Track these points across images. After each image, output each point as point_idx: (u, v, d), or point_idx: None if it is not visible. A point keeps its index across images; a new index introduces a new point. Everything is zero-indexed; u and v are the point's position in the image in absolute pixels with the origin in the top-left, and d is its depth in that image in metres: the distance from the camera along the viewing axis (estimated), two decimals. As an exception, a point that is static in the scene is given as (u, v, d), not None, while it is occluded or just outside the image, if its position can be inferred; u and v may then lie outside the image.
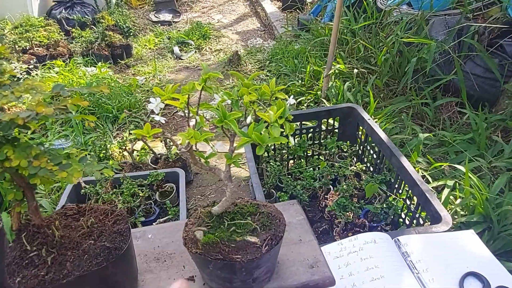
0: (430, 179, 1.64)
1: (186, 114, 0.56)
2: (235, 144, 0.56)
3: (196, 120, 0.56)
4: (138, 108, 2.59)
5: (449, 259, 1.00)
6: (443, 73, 2.11)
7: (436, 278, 0.95)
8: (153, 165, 2.01)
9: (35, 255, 0.52)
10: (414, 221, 1.38)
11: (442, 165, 1.60)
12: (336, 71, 2.37)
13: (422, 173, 1.66)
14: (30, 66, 2.70)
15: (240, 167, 2.12)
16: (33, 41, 3.01)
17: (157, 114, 0.59)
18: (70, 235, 0.56)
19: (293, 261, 0.69)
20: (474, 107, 2.04)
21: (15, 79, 0.52)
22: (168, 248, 0.73)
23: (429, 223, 1.29)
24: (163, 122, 0.61)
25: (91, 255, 0.53)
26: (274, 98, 0.55)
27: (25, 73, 2.40)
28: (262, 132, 0.49)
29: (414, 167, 1.33)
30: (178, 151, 0.54)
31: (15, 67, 2.11)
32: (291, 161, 1.92)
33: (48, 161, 0.44)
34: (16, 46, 2.84)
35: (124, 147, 1.92)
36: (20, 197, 0.52)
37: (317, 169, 1.71)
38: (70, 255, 0.53)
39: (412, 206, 1.40)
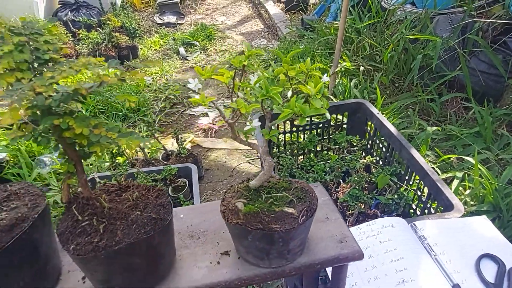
0: (439, 171, 1.67)
1: (230, 90, 0.59)
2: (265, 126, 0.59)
3: (237, 95, 0.59)
4: (146, 107, 2.62)
5: (464, 242, 1.03)
6: (448, 70, 2.15)
7: (453, 260, 0.98)
8: (164, 161, 2.04)
9: (86, 224, 0.55)
10: (426, 211, 1.41)
11: (451, 158, 1.63)
12: (342, 69, 2.41)
13: (431, 166, 1.69)
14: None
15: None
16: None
17: (198, 93, 0.62)
18: (117, 207, 0.59)
19: (321, 238, 0.72)
20: (479, 103, 2.08)
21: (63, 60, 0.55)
22: (201, 227, 0.76)
23: (440, 212, 1.32)
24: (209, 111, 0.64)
25: (139, 225, 0.56)
26: (309, 76, 0.58)
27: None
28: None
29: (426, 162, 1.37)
30: (225, 121, 0.57)
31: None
32: (300, 157, 1.95)
33: (108, 131, 0.47)
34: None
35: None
36: (72, 169, 0.55)
37: (328, 162, 1.74)
38: (120, 224, 0.56)
39: (423, 196, 1.43)
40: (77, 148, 0.54)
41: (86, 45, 3.39)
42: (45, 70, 0.50)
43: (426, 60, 2.18)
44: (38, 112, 0.48)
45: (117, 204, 0.60)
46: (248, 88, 0.58)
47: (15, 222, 0.56)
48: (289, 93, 0.55)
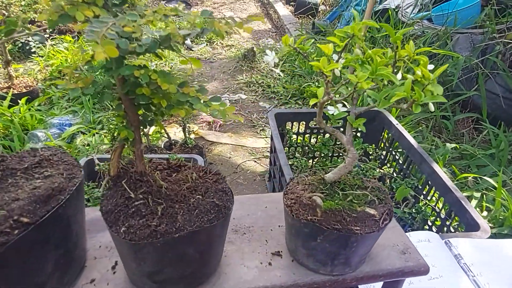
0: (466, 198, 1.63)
1: (336, 60, 0.51)
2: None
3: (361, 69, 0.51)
4: (149, 93, 2.50)
5: (500, 265, 0.98)
6: (464, 89, 2.13)
7: (491, 283, 0.93)
8: (167, 150, 1.93)
9: (141, 203, 0.46)
10: (445, 229, 1.36)
11: (469, 176, 1.60)
12: (357, 76, 2.36)
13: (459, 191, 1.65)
14: (38, 38, 2.57)
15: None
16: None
17: (274, 67, 0.53)
18: (173, 188, 0.50)
19: (383, 246, 0.65)
20: (491, 125, 2.06)
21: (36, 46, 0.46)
22: (245, 221, 0.68)
23: (462, 230, 1.27)
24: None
25: (202, 211, 0.47)
26: (412, 61, 0.51)
27: (38, 42, 2.27)
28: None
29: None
30: (329, 97, 0.48)
31: (28, 36, 2.00)
32: (310, 160, 1.89)
33: (197, 92, 0.38)
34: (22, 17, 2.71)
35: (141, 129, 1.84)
36: (132, 136, 0.46)
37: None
38: (179, 208, 0.47)
39: (442, 214, 1.38)
40: (141, 112, 0.45)
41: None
42: (122, 12, 0.41)
43: (443, 77, 2.15)
44: (110, 60, 0.38)
45: (173, 185, 0.50)
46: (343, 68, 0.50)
47: (51, 193, 0.46)
48: (399, 75, 0.47)
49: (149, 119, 0.45)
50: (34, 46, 2.44)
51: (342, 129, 1.81)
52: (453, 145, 1.74)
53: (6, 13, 2.30)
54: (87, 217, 0.60)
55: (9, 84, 2.11)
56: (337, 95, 0.50)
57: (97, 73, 1.78)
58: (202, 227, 0.46)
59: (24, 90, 2.12)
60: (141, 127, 0.48)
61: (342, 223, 0.50)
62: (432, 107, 0.49)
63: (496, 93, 2.11)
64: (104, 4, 0.40)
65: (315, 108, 2.37)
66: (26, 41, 1.98)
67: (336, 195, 0.53)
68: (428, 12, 2.50)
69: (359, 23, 0.47)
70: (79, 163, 0.54)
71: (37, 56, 2.58)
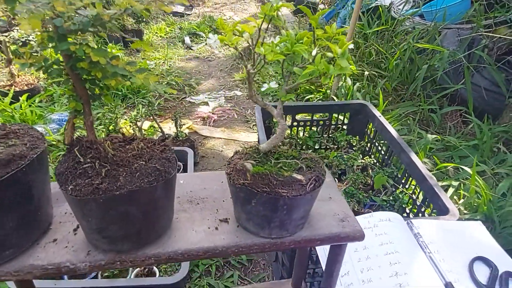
0: (438, 184, 1.67)
1: (252, 43, 0.57)
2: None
3: (257, 54, 0.57)
4: (146, 90, 2.59)
5: (458, 244, 1.03)
6: (451, 83, 2.17)
7: (447, 259, 0.97)
8: (160, 144, 2.01)
9: (88, 166, 0.53)
10: (420, 215, 1.41)
11: (448, 166, 1.63)
12: (347, 72, 2.41)
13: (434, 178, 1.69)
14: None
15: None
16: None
17: (216, 47, 0.60)
18: (121, 155, 0.57)
19: (324, 215, 0.71)
20: (478, 118, 2.09)
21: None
22: (201, 194, 0.74)
23: (435, 215, 1.31)
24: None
25: (143, 174, 0.54)
26: (334, 40, 0.57)
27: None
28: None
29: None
30: (246, 71, 0.55)
31: (29, 35, 2.10)
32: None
33: (126, 64, 0.45)
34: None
35: (134, 123, 1.92)
36: (80, 108, 0.53)
37: (326, 159, 1.73)
38: (122, 171, 0.54)
39: (418, 201, 1.43)
40: (88, 86, 0.52)
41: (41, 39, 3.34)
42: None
43: (431, 72, 2.19)
44: (54, 36, 0.45)
45: (121, 153, 0.57)
46: (268, 48, 0.57)
47: (12, 158, 0.53)
48: (314, 52, 0.53)
49: (94, 94, 0.52)
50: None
51: (327, 123, 1.87)
52: (434, 136, 1.77)
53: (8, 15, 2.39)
54: (57, 190, 0.67)
55: (11, 82, 2.21)
56: (267, 71, 0.57)
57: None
58: (141, 187, 0.52)
59: (26, 88, 2.23)
60: (92, 101, 0.54)
61: (270, 186, 0.56)
62: (349, 81, 0.55)
63: (482, 86, 2.15)
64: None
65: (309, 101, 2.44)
66: (27, 41, 2.08)
67: (268, 162, 0.59)
68: (418, 9, 2.54)
69: (274, 4, 0.53)
70: (44, 136, 0.61)
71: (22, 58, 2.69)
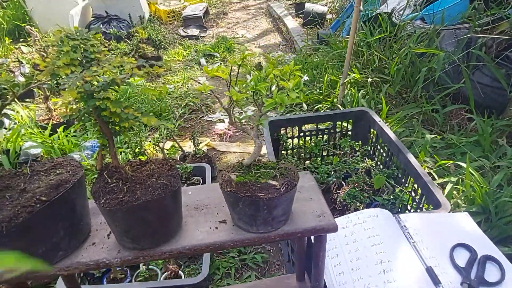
0: (436, 176, 1.77)
1: (228, 84, 0.75)
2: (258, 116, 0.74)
3: (233, 89, 0.75)
4: (167, 113, 2.83)
5: (442, 233, 1.14)
6: (453, 83, 2.25)
7: (430, 247, 1.09)
8: (181, 162, 2.22)
9: (114, 185, 0.72)
10: (418, 211, 1.52)
11: (447, 163, 1.73)
12: (352, 80, 2.54)
13: (428, 171, 1.79)
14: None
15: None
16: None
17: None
18: (138, 175, 0.76)
19: (304, 213, 0.86)
20: (483, 115, 2.16)
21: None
22: (205, 201, 0.92)
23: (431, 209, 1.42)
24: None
25: (154, 188, 0.72)
26: (292, 75, 0.74)
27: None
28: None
29: (421, 166, 1.48)
30: (222, 107, 0.73)
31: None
32: (307, 161, 2.09)
33: (134, 111, 0.64)
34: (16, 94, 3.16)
35: (157, 144, 2.14)
36: (106, 143, 0.73)
37: (331, 165, 1.87)
38: (139, 187, 0.72)
39: (417, 198, 1.54)
40: (110, 127, 0.71)
41: (115, 55, 3.66)
42: (91, 66, 0.68)
43: (432, 73, 2.29)
44: (84, 96, 0.65)
45: (138, 174, 0.76)
46: (244, 85, 0.74)
47: (60, 183, 0.73)
48: (273, 87, 0.70)
49: (115, 131, 0.71)
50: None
51: (332, 131, 2.01)
52: (433, 136, 1.87)
53: (45, 54, 2.70)
54: (94, 205, 0.88)
55: (49, 116, 2.51)
56: (242, 101, 0.74)
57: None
58: (153, 198, 0.71)
59: (62, 120, 2.52)
60: (115, 137, 0.74)
61: (250, 191, 0.73)
62: (304, 106, 0.71)
63: (484, 83, 2.22)
64: (79, 63, 0.67)
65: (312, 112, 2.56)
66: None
67: (249, 173, 0.76)
68: (417, 13, 2.65)
69: (244, 55, 0.71)
70: (81, 164, 0.81)
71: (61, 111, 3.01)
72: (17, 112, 2.49)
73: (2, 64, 3.28)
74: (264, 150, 2.31)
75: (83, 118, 0.69)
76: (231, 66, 0.73)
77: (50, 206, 0.70)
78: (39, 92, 2.99)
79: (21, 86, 0.71)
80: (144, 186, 0.73)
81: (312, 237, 1.08)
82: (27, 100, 2.88)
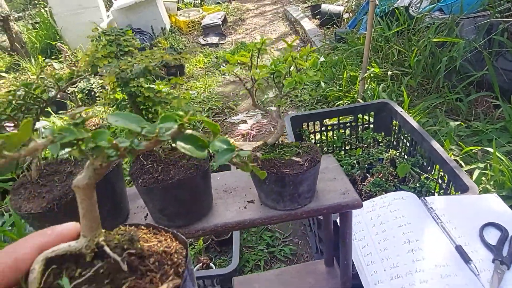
0: (462, 163, 1.75)
1: (249, 66, 0.80)
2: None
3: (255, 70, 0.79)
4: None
5: (471, 214, 1.14)
6: (475, 70, 2.22)
7: (458, 227, 1.09)
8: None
9: (150, 166, 0.78)
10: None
11: (473, 149, 1.71)
12: (372, 74, 2.55)
13: (455, 158, 1.77)
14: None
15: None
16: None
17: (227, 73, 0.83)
18: (170, 158, 0.81)
19: (328, 191, 0.89)
20: (509, 101, 2.12)
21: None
22: (233, 185, 0.97)
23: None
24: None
25: (186, 168, 0.78)
26: (309, 57, 0.78)
27: (100, 87, 2.83)
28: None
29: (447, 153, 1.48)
30: (245, 88, 0.78)
31: (93, 82, 2.53)
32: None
33: (166, 95, 0.70)
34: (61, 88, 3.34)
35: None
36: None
37: (354, 156, 1.89)
38: (172, 167, 0.78)
39: (443, 185, 1.53)
40: (144, 113, 0.78)
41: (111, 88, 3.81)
42: (125, 57, 0.74)
43: (453, 62, 2.27)
44: (121, 83, 0.71)
45: (171, 156, 0.82)
46: (264, 69, 0.79)
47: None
48: (292, 67, 0.75)
49: (149, 119, 0.77)
50: (97, 92, 3.01)
51: (354, 124, 2.02)
52: (457, 123, 1.86)
53: (75, 68, 2.86)
54: (131, 192, 0.94)
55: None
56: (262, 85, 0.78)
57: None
58: (185, 177, 0.76)
59: (94, 128, 2.65)
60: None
61: (276, 167, 0.77)
62: (322, 84, 0.75)
63: (508, 69, 2.18)
64: (115, 55, 0.74)
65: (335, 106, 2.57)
66: (91, 88, 2.49)
67: (274, 151, 0.80)
68: (434, 4, 2.63)
69: (262, 40, 0.76)
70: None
71: (101, 99, 3.16)
72: (53, 122, 2.64)
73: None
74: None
75: (120, 105, 0.75)
76: (251, 51, 0.78)
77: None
78: (71, 105, 3.16)
79: (64, 79, 0.78)
80: (177, 166, 0.78)
81: (338, 221, 1.11)
82: (61, 112, 3.04)
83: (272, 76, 0.77)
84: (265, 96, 0.89)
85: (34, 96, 0.73)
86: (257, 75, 0.73)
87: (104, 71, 0.66)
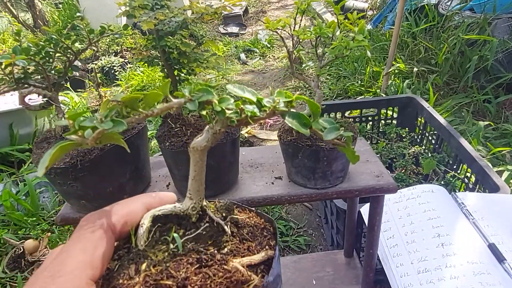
0: (490, 165, 1.68)
1: (292, 28, 0.75)
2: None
3: (295, 36, 0.75)
4: (208, 102, 2.89)
5: (505, 212, 1.08)
6: (506, 71, 2.14)
7: (492, 225, 1.03)
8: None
9: (178, 130, 0.74)
10: (473, 195, 1.44)
11: (502, 151, 1.64)
12: (396, 70, 2.48)
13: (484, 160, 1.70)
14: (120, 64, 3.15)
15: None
16: (122, 46, 3.49)
17: (265, 41, 0.79)
18: (199, 123, 0.77)
19: (361, 173, 0.84)
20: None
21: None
22: (259, 160, 0.92)
23: (487, 194, 1.34)
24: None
25: (216, 134, 0.73)
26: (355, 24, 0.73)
27: (119, 66, 2.81)
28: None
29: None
30: (287, 51, 0.74)
31: (114, 60, 2.50)
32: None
33: (204, 51, 0.65)
34: (109, 49, 3.32)
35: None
36: (171, 89, 0.75)
37: (375, 150, 1.83)
38: (201, 132, 0.74)
39: (470, 184, 1.47)
40: (176, 73, 0.74)
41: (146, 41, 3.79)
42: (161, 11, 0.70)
43: (483, 62, 2.19)
44: (156, 37, 0.67)
45: (199, 122, 0.78)
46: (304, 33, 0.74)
47: (127, 129, 0.76)
48: (338, 32, 0.70)
49: (180, 79, 0.73)
50: (117, 72, 2.99)
51: (376, 118, 1.96)
52: (486, 123, 1.78)
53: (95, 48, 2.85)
54: (154, 160, 0.91)
55: (100, 102, 2.64)
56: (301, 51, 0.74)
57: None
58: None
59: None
60: (179, 84, 0.76)
61: (311, 141, 0.72)
62: (369, 54, 0.70)
63: (542, 72, 2.09)
64: (151, 7, 0.70)
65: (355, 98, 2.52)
66: (111, 67, 2.47)
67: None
68: (465, 3, 2.54)
69: (308, 1, 0.71)
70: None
71: (119, 80, 3.14)
72: (71, 98, 2.62)
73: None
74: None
75: (152, 62, 0.71)
76: (296, 13, 0.73)
77: (119, 146, 0.72)
78: (89, 83, 3.15)
79: (96, 34, 0.74)
80: (207, 132, 0.74)
81: (362, 210, 1.06)
82: (79, 90, 3.03)
83: (316, 39, 0.72)
84: (304, 65, 0.84)
85: (65, 46, 0.70)
86: (302, 36, 0.68)
87: (141, 19, 0.61)
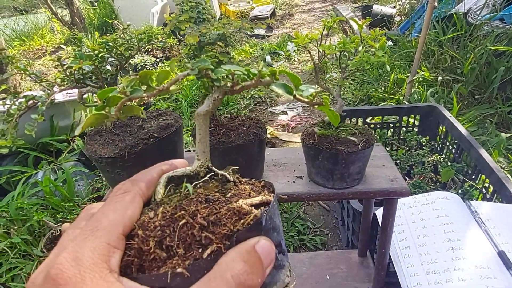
0: (510, 176, 1.69)
1: (318, 43, 0.83)
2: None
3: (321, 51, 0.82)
4: (234, 102, 2.98)
5: (518, 222, 1.11)
6: (534, 84, 2.13)
7: (503, 233, 1.07)
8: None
9: (212, 129, 0.83)
10: (489, 206, 1.47)
11: (524, 163, 1.65)
12: (420, 78, 2.50)
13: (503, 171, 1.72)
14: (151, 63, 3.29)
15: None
16: (153, 45, 3.64)
17: (293, 51, 0.86)
18: (231, 124, 0.86)
19: (377, 176, 0.91)
20: None
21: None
22: (282, 160, 1.00)
23: (503, 205, 1.37)
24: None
25: (245, 135, 0.82)
26: (377, 40, 0.79)
27: (151, 65, 2.95)
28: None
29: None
30: (313, 63, 0.81)
31: (146, 59, 2.64)
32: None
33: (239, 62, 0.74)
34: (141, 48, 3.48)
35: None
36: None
37: (394, 157, 1.87)
38: (233, 133, 0.83)
39: (487, 194, 1.49)
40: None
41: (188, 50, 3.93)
42: (203, 24, 0.79)
43: (510, 73, 2.18)
44: (197, 47, 0.77)
45: (231, 123, 0.87)
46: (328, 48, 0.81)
47: (167, 126, 0.86)
48: (360, 48, 0.77)
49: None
50: (149, 69, 3.14)
51: (398, 125, 2.00)
52: (508, 134, 1.79)
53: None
54: (188, 156, 1.00)
55: (131, 98, 2.79)
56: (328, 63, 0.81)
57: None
58: (245, 143, 0.80)
59: (141, 104, 2.78)
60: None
61: (331, 144, 0.80)
62: (388, 67, 0.77)
63: None
64: (194, 21, 0.79)
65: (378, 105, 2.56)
66: (144, 65, 2.61)
67: (330, 128, 0.83)
68: (495, 13, 2.53)
69: (334, 18, 0.78)
70: (181, 116, 0.93)
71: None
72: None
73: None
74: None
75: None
76: (324, 28, 0.80)
77: (160, 141, 0.82)
78: (121, 80, 3.32)
79: (144, 40, 0.84)
80: (237, 132, 0.83)
81: (377, 213, 1.12)
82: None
83: (340, 53, 0.79)
84: (327, 75, 0.91)
85: (118, 52, 0.80)
86: (327, 50, 0.76)
87: (187, 32, 0.71)
